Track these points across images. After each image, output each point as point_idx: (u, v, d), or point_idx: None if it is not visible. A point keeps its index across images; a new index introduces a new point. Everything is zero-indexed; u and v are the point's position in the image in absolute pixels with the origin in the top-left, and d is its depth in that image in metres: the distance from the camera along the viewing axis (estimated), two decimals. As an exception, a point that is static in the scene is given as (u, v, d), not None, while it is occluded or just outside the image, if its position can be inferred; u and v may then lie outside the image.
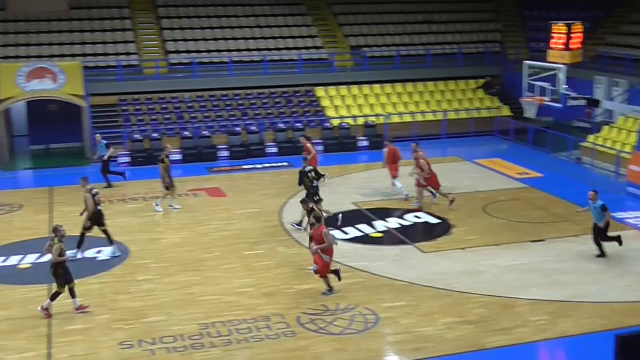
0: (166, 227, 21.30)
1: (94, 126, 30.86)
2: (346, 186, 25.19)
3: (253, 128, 31.77)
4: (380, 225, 21.19)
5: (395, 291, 16.50)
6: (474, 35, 39.55)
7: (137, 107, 32.91)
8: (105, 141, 26.06)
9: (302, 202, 18.05)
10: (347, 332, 14.58)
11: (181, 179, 25.62)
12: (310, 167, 21.06)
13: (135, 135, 30.52)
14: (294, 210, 22.28)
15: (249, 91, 34.56)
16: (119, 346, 14.02)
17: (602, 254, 18.34)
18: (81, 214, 19.02)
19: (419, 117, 34.35)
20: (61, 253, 15.31)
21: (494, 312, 15.37)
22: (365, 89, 35.82)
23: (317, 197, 20.57)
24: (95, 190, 18.98)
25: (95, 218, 18.82)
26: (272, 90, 34.81)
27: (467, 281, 16.96)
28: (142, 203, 23.63)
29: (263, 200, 24.02)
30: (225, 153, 30.66)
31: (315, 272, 16.09)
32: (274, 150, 31.18)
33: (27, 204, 23.74)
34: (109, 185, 25.70)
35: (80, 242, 18.77)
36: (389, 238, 20.28)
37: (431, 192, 23.14)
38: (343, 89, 35.61)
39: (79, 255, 18.68)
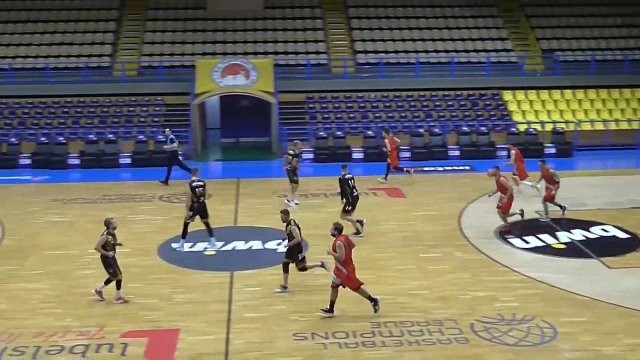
0: (345, 225, 21.51)
1: (282, 122, 31.86)
2: (530, 194, 24.41)
3: (436, 130, 31.57)
4: (563, 236, 20.38)
5: (576, 306, 15.79)
6: (679, 40, 37.19)
7: (324, 105, 33.61)
8: (172, 135, 26.38)
9: (282, 212, 17.24)
10: (523, 343, 14.11)
11: (362, 177, 25.75)
12: (349, 175, 20.57)
13: (320, 133, 31.20)
14: (473, 215, 21.90)
15: (434, 93, 34.37)
16: (293, 337, 14.33)
17: None
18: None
19: (612, 126, 32.78)
20: (105, 246, 15.59)
21: (684, 336, 14.35)
22: (556, 94, 34.63)
23: (350, 208, 20.30)
24: (198, 183, 19.17)
25: (198, 210, 19.13)
26: (458, 92, 34.43)
27: (655, 301, 15.96)
28: (322, 199, 24.07)
29: (442, 203, 23.80)
30: (407, 154, 30.68)
31: (339, 285, 15.25)
32: (457, 153, 30.88)
33: (216, 194, 24.82)
34: (166, 183, 26.07)
35: (184, 233, 19.23)
36: (571, 250, 19.45)
37: (560, 206, 22.02)
38: (532, 94, 34.60)
39: (186, 247, 19.25)
